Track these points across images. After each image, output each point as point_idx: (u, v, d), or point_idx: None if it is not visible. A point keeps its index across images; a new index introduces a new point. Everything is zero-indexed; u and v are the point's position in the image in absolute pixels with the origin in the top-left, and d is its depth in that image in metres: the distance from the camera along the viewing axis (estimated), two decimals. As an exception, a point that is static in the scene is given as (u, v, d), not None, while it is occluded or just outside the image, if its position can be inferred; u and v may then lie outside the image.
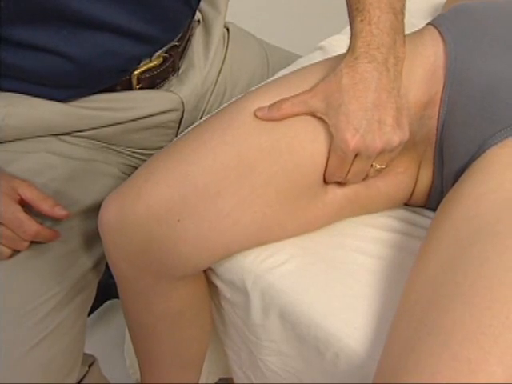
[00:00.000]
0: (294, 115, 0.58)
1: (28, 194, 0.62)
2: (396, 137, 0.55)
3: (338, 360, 0.58)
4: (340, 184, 0.62)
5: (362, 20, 0.57)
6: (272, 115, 0.58)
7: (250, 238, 0.61)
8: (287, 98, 0.58)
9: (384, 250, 0.64)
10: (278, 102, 0.58)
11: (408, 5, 0.61)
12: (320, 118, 0.58)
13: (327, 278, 0.61)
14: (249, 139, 0.58)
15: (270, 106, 0.58)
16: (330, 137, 0.57)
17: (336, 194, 0.63)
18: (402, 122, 0.56)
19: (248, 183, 0.57)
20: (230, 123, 0.59)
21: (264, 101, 0.59)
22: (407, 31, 0.65)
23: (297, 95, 0.58)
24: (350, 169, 0.58)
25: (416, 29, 0.68)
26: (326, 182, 0.61)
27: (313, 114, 0.58)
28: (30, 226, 0.62)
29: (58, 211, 0.64)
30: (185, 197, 0.57)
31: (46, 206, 0.63)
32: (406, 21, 0.60)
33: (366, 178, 0.61)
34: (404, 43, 0.58)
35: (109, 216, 0.59)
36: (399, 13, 0.58)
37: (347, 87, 0.55)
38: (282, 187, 0.58)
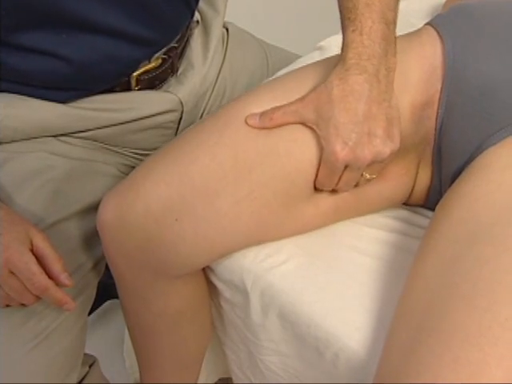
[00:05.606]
0: (285, 124, 0.58)
1: (40, 246, 0.59)
2: (386, 148, 0.55)
3: (337, 360, 0.58)
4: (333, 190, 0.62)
5: (353, 30, 0.56)
6: (264, 124, 0.58)
7: (247, 236, 0.62)
8: (279, 107, 0.58)
9: (383, 249, 0.64)
10: (270, 110, 0.58)
11: (408, 5, 0.61)
12: (312, 128, 0.58)
13: (327, 277, 0.62)
14: (246, 141, 0.58)
15: (262, 115, 0.58)
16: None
17: (330, 197, 0.63)
18: (392, 132, 0.56)
19: (246, 184, 0.58)
20: (227, 125, 0.60)
21: (259, 104, 0.59)
22: (407, 31, 0.65)
23: (288, 104, 0.58)
24: (340, 178, 0.58)
25: (415, 29, 0.68)
26: (316, 189, 0.61)
27: (304, 124, 0.58)
28: (41, 280, 0.58)
29: (63, 279, 0.59)
30: (183, 196, 0.57)
31: (54, 267, 0.59)
32: (405, 21, 0.60)
33: (356, 186, 0.61)
34: (395, 53, 0.58)
35: (107, 214, 0.60)
36: (391, 23, 0.57)
37: (337, 99, 0.55)
38: (280, 189, 0.59)
